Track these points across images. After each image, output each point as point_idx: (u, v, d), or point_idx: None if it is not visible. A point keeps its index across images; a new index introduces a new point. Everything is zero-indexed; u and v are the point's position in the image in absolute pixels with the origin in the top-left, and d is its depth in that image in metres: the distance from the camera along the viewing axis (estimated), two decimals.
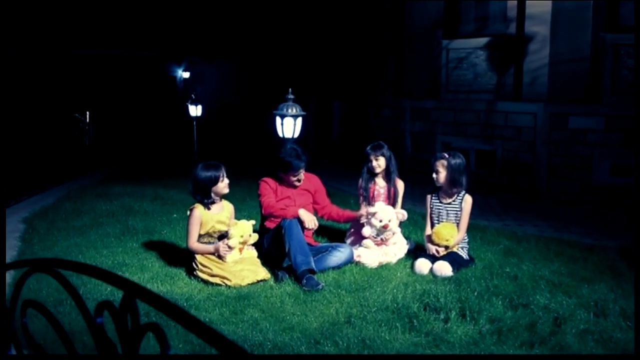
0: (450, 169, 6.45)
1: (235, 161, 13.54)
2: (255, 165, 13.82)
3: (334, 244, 6.66)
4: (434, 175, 6.55)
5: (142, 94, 23.11)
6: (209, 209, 6.14)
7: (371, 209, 6.61)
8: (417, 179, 10.40)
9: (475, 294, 5.46)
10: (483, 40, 12.25)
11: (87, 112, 13.22)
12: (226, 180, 6.21)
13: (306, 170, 6.68)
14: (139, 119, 21.18)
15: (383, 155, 6.92)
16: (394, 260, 6.62)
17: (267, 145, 15.01)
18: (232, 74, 23.69)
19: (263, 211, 6.50)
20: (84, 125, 13.01)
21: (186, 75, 25.39)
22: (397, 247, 6.78)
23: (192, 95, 15.09)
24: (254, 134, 19.30)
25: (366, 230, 6.62)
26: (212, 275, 5.89)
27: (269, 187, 6.59)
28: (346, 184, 11.49)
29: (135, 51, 23.46)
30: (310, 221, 6.27)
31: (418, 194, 9.54)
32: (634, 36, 9.90)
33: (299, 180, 6.58)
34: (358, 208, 7.06)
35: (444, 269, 6.11)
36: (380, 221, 6.56)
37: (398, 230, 6.74)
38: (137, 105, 22.37)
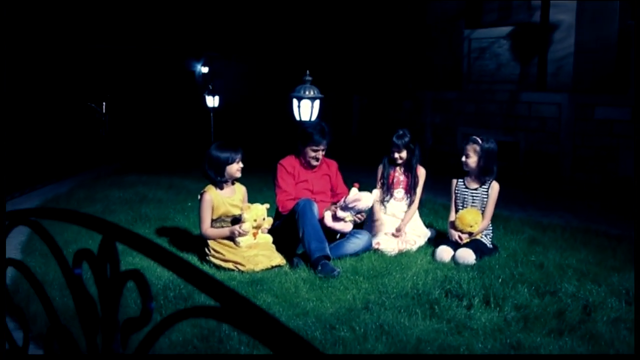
0: (482, 154, 6.18)
1: (252, 152, 13.34)
2: (271, 156, 13.60)
3: (352, 230, 6.39)
4: (463, 159, 6.28)
5: (162, 88, 23.06)
6: (221, 188, 5.92)
7: (350, 197, 6.18)
8: (438, 171, 10.12)
9: (500, 281, 5.19)
10: (506, 30, 11.97)
11: (103, 103, 13.08)
12: (241, 164, 5.99)
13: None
14: (158, 112, 21.13)
15: (406, 147, 6.64)
16: (414, 248, 6.38)
17: (283, 137, 14.82)
18: (250, 69, 23.55)
19: (280, 208, 6.26)
20: (100, 115, 12.88)
21: (205, 70, 25.32)
22: (417, 235, 6.55)
23: (210, 86, 14.96)
24: (271, 128, 19.12)
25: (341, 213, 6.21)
26: (225, 261, 5.68)
27: (285, 172, 6.33)
28: (365, 175, 11.25)
29: (156, 46, 23.47)
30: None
31: (439, 187, 9.30)
32: (633, 36, 9.60)
33: (316, 159, 6.30)
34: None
35: (467, 256, 5.86)
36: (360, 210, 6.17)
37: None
38: (156, 98, 22.33)
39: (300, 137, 6.32)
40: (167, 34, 23.08)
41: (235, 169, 5.95)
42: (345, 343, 4.00)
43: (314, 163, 6.35)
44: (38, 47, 19.15)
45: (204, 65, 25.28)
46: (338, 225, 6.03)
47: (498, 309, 4.67)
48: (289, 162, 6.38)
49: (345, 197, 6.02)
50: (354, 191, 6.04)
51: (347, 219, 6.03)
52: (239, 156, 5.96)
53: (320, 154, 6.32)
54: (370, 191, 6.12)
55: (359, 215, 6.14)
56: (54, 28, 19.68)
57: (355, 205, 5.98)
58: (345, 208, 6.01)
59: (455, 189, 6.43)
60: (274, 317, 1.00)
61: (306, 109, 7.08)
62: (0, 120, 2.27)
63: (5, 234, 1.93)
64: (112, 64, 22.34)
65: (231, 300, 1.08)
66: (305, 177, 6.37)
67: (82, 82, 20.09)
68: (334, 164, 6.62)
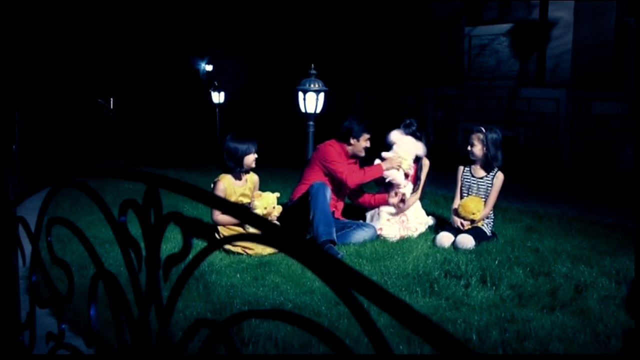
0: (487, 143, 6.44)
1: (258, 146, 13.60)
2: (276, 150, 13.86)
3: (359, 222, 6.68)
4: (469, 148, 6.54)
5: (167, 85, 23.32)
6: (239, 178, 6.19)
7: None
8: (440, 166, 10.37)
9: (496, 263, 5.45)
10: (506, 27, 12.21)
11: (111, 99, 13.34)
12: (256, 155, 6.26)
13: None
14: (164, 108, 21.40)
15: (412, 135, 6.91)
16: (415, 234, 6.64)
17: (287, 132, 15.05)
18: (253, 66, 23.77)
19: (350, 182, 6.52)
20: (107, 111, 13.14)
21: (209, 68, 25.52)
22: (418, 222, 6.81)
23: (215, 83, 15.20)
24: (275, 123, 19.37)
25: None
26: (234, 245, 5.92)
27: (337, 153, 6.63)
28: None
29: (162, 44, 23.70)
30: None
31: (441, 180, 9.57)
32: (634, 35, 9.82)
33: (366, 149, 6.67)
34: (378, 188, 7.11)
35: (466, 241, 6.11)
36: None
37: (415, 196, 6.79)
38: (162, 95, 22.60)
39: (350, 129, 6.62)
40: (172, 33, 23.32)
41: (252, 159, 6.22)
42: (349, 317, 4.24)
43: (363, 154, 6.66)
44: (48, 45, 19.45)
45: (208, 63, 25.50)
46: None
47: (494, 287, 4.93)
48: (339, 147, 6.66)
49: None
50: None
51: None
52: (255, 147, 6.23)
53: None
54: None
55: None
56: (64, 27, 19.96)
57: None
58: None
59: (461, 177, 6.67)
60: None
61: (311, 102, 7.34)
62: (2, 122, 2.48)
63: (53, 194, 2.19)
64: (119, 62, 22.62)
65: (267, 226, 1.33)
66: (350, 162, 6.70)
67: (91, 78, 20.40)
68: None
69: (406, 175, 6.76)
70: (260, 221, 1.33)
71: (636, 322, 0.91)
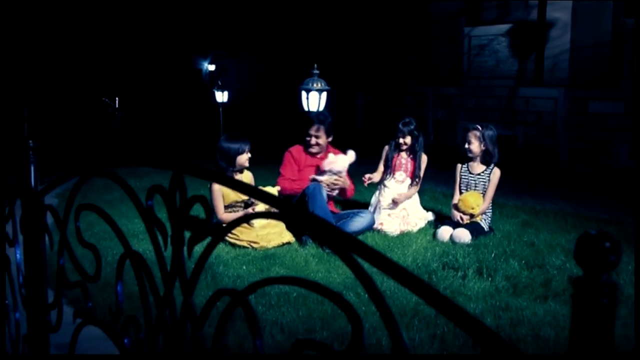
0: (484, 140, 6.67)
1: (260, 145, 13.80)
2: (278, 148, 14.05)
3: (355, 210, 6.90)
4: (466, 146, 6.78)
5: (170, 85, 23.53)
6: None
7: (326, 161, 6.77)
8: (440, 165, 10.57)
9: (493, 255, 5.67)
10: (505, 27, 12.42)
11: (117, 98, 13.55)
12: (249, 154, 6.45)
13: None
14: (167, 107, 21.63)
15: (411, 133, 7.14)
16: (415, 229, 6.85)
17: (289, 131, 15.23)
18: (256, 66, 23.97)
19: (280, 189, 6.73)
20: (113, 110, 13.36)
21: (212, 67, 25.72)
22: (418, 217, 7.03)
23: (219, 82, 15.39)
24: (277, 122, 19.57)
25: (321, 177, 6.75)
26: (240, 240, 6.13)
27: (290, 158, 6.90)
28: (369, 165, 11.70)
29: (165, 44, 23.91)
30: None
31: (440, 178, 9.77)
32: (632, 36, 10.02)
33: (312, 144, 6.88)
34: (375, 188, 7.33)
35: (463, 235, 6.32)
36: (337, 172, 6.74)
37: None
38: (165, 95, 22.82)
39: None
40: (175, 33, 23.52)
41: (245, 158, 6.43)
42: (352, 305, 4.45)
43: (312, 150, 6.86)
44: (54, 46, 19.68)
45: (210, 62, 25.71)
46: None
47: (490, 279, 5.15)
48: (296, 149, 6.93)
49: (323, 162, 6.66)
50: (331, 157, 6.72)
51: (325, 181, 6.61)
52: (247, 146, 6.43)
53: (314, 139, 6.83)
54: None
55: (336, 177, 6.69)
56: (69, 28, 20.20)
57: (331, 169, 6.65)
58: (322, 173, 6.65)
59: (459, 174, 6.90)
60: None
61: (314, 101, 7.55)
62: (2, 121, 2.70)
63: (82, 183, 2.40)
64: (123, 62, 22.85)
65: (284, 205, 1.55)
66: (312, 162, 6.89)
67: (96, 78, 20.64)
68: (339, 152, 7.10)
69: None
70: (279, 201, 1.54)
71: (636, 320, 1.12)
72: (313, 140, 6.83)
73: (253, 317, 1.63)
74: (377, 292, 1.27)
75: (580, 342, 1.02)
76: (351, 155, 6.81)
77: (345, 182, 6.80)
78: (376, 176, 7.15)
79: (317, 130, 6.82)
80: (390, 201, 6.94)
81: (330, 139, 6.98)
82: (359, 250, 1.31)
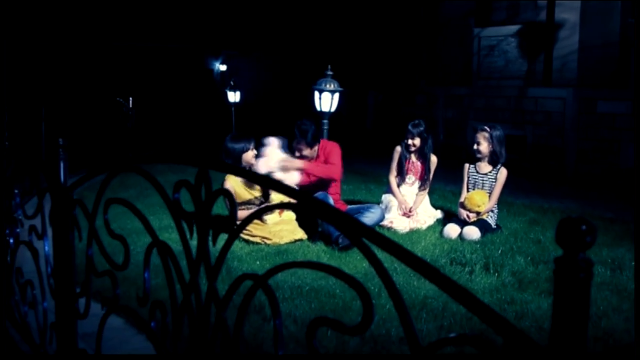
0: (493, 140, 6.83)
1: None
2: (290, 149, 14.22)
3: (365, 205, 7.05)
4: (475, 147, 6.93)
5: (183, 84, 23.72)
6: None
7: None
8: (450, 165, 10.66)
9: (500, 252, 5.82)
10: (514, 28, 12.55)
11: (130, 98, 13.75)
12: (255, 151, 6.60)
13: (342, 150, 7.06)
14: (180, 107, 21.85)
15: (420, 135, 7.29)
16: (424, 227, 7.01)
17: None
18: (267, 67, 24.14)
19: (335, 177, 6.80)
20: (127, 109, 13.56)
21: (223, 68, 25.87)
22: (427, 216, 7.19)
23: (231, 82, 15.58)
24: (290, 122, 19.76)
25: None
26: (253, 236, 6.29)
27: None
28: (378, 165, 11.86)
29: (177, 44, 24.11)
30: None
31: (450, 177, 9.90)
32: (634, 35, 10.11)
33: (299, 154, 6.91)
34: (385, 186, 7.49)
35: (472, 232, 6.47)
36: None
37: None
38: (178, 94, 23.01)
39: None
40: (187, 33, 23.70)
41: (250, 155, 6.58)
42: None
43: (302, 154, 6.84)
44: (68, 47, 19.95)
45: (222, 63, 25.86)
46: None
47: (496, 274, 5.30)
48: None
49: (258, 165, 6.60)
50: (260, 161, 6.57)
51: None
52: (252, 144, 6.60)
53: (297, 153, 6.82)
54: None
55: (281, 163, 6.58)
56: (83, 30, 20.46)
57: (269, 170, 6.43)
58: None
59: (467, 173, 7.05)
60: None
61: (326, 101, 7.72)
62: (2, 118, 2.87)
63: (111, 178, 2.58)
64: (136, 62, 23.07)
65: (303, 196, 1.71)
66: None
67: (110, 78, 20.87)
68: (330, 144, 7.08)
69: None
70: (298, 193, 1.70)
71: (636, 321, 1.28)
72: (297, 154, 6.85)
73: (273, 299, 1.79)
74: (386, 275, 1.43)
75: (561, 310, 1.18)
76: (274, 143, 6.69)
77: (293, 162, 6.65)
78: (393, 182, 7.30)
79: (299, 143, 6.81)
80: (404, 207, 7.11)
81: (316, 146, 6.90)
82: (368, 235, 1.47)
